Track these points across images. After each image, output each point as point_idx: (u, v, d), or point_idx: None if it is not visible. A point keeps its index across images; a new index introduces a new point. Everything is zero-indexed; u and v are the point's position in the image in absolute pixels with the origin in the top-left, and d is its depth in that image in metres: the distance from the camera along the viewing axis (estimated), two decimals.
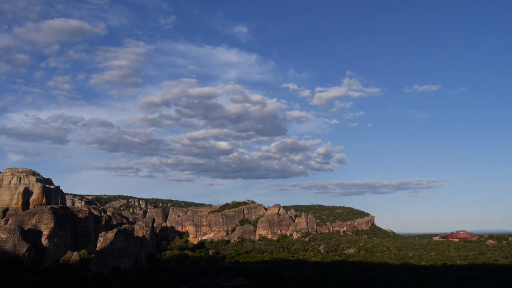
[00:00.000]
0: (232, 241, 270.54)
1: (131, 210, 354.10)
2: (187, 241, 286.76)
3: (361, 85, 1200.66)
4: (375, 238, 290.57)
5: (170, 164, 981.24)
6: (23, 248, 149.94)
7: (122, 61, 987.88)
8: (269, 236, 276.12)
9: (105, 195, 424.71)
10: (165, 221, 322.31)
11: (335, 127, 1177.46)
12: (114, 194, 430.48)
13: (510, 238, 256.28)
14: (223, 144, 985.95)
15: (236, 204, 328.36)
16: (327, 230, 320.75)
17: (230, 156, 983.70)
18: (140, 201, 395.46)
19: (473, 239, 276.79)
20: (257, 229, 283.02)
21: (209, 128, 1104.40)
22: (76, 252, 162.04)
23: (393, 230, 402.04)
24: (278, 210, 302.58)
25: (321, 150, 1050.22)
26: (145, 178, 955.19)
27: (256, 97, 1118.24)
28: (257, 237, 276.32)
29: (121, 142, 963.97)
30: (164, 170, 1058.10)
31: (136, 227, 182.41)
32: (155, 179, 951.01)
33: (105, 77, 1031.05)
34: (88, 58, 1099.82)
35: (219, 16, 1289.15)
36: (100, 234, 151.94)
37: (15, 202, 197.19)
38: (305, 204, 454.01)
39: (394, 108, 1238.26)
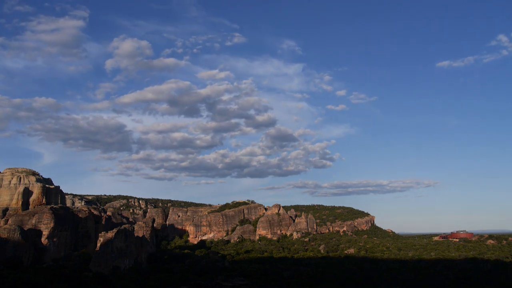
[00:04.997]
0: (232, 241, 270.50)
1: (131, 210, 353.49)
2: (187, 241, 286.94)
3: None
4: (375, 238, 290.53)
5: (146, 161, 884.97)
6: (23, 248, 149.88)
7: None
8: (269, 236, 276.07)
9: (105, 195, 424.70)
10: (165, 221, 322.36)
11: (339, 114, 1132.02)
12: (114, 194, 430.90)
13: (510, 238, 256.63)
14: (204, 138, 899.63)
15: (236, 204, 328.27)
16: (327, 230, 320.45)
17: (216, 151, 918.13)
18: (140, 201, 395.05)
19: (473, 239, 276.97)
20: (257, 229, 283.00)
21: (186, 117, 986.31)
22: (76, 252, 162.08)
23: (393, 230, 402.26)
24: (278, 210, 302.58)
25: (320, 145, 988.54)
26: (120, 176, 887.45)
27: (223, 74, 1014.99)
28: (257, 237, 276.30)
29: (81, 133, 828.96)
30: (137, 168, 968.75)
31: (136, 227, 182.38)
32: (131, 177, 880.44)
33: None
34: None
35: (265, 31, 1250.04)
36: (100, 234, 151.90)
37: (15, 202, 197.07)
38: (305, 204, 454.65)
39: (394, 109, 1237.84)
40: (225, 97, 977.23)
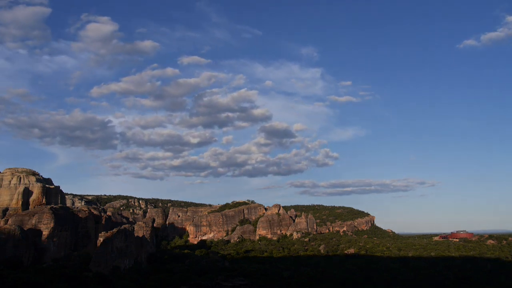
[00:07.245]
0: (232, 241, 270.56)
1: (131, 210, 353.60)
2: (187, 241, 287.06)
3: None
4: (375, 238, 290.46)
5: (133, 159, 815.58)
6: (23, 248, 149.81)
7: None
8: (269, 236, 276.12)
9: (105, 195, 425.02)
10: (165, 221, 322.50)
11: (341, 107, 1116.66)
12: (114, 194, 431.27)
13: (510, 238, 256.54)
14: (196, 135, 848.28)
15: (236, 204, 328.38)
16: (327, 230, 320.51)
17: (210, 149, 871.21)
18: (140, 201, 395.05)
19: (473, 239, 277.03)
20: (257, 229, 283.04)
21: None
22: (76, 252, 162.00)
23: (393, 230, 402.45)
24: (278, 210, 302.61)
25: (321, 142, 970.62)
26: (111, 176, 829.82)
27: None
28: (257, 237, 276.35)
29: (59, 129, 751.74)
30: (124, 167, 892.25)
31: (136, 227, 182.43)
32: (120, 177, 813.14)
33: None
34: None
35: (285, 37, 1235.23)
36: (100, 234, 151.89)
37: (15, 202, 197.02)
38: (305, 204, 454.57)
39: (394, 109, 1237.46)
40: (215, 88, 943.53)
